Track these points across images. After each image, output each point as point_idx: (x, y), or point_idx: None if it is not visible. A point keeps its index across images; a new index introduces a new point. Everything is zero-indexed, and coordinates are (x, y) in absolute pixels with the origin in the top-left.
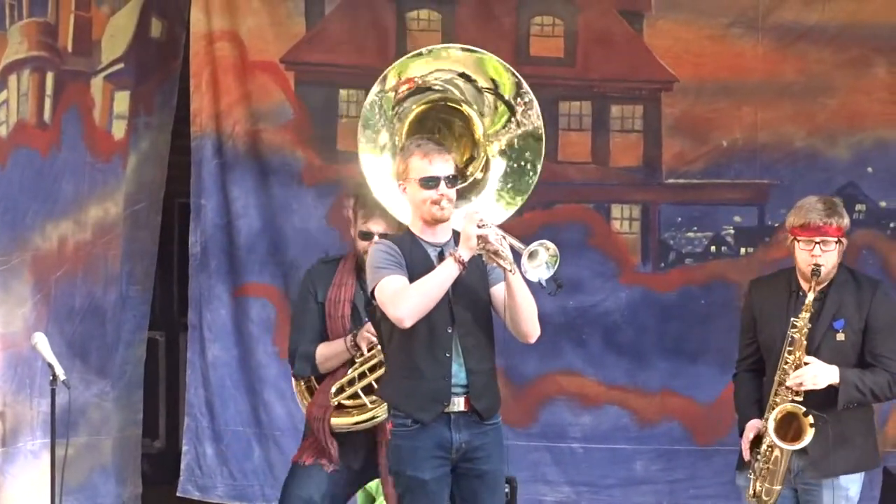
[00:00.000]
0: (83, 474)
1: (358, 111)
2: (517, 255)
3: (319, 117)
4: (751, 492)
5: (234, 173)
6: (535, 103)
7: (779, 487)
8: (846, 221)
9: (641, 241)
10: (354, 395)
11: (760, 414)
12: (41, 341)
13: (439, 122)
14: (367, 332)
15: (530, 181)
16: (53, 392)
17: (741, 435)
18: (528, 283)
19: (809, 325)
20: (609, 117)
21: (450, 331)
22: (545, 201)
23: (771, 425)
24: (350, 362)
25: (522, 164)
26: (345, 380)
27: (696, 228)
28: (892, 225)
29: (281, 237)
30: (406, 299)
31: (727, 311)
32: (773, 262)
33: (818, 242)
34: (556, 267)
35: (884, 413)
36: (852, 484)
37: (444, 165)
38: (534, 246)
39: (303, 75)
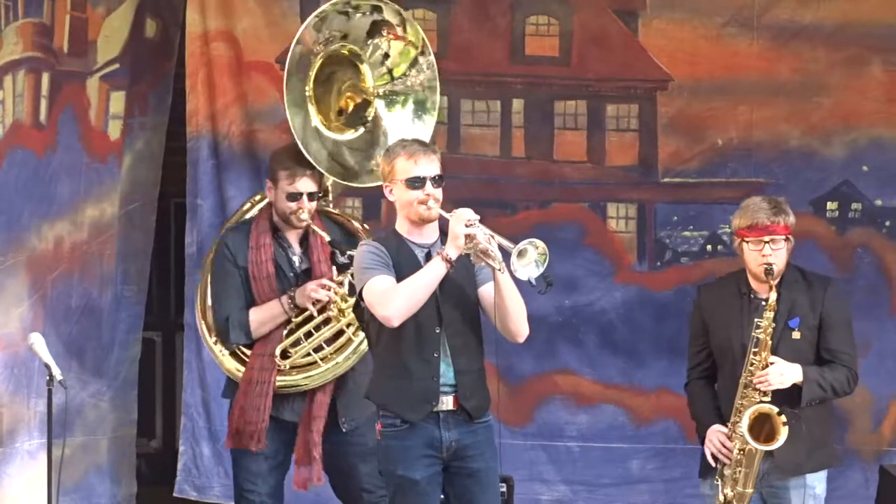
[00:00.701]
0: (79, 474)
1: None
2: (506, 254)
3: None
4: (721, 498)
5: (230, 173)
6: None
7: (750, 490)
8: (792, 219)
9: (637, 240)
10: (305, 355)
11: (720, 419)
12: (38, 342)
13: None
14: (311, 291)
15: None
16: (50, 392)
17: (702, 443)
18: (518, 282)
19: (774, 325)
20: (605, 116)
21: (438, 331)
22: (541, 200)
23: (745, 426)
24: (285, 323)
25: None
26: (288, 342)
27: (691, 227)
28: (887, 223)
29: None
30: (394, 299)
31: None
32: None
33: (767, 242)
34: (545, 265)
35: (880, 412)
36: (818, 482)
37: (429, 166)
38: (523, 244)
39: None
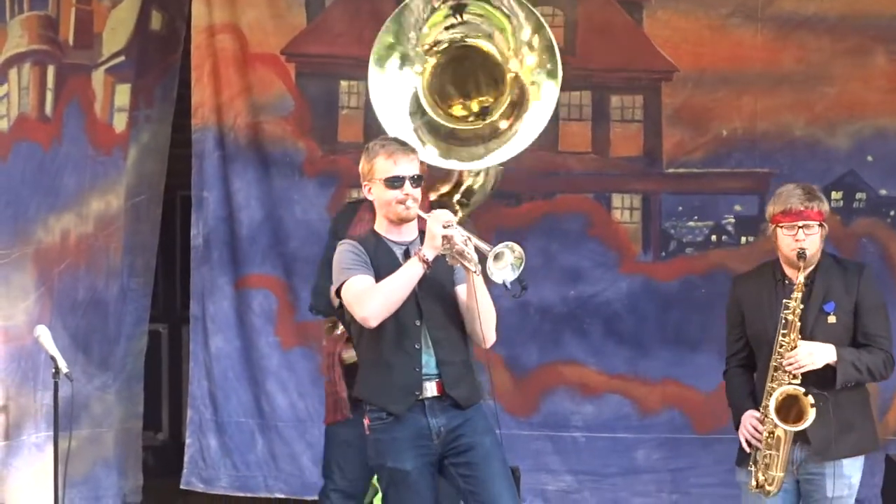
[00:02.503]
0: (86, 467)
1: (359, 102)
2: (482, 257)
3: (320, 109)
4: (753, 483)
5: (236, 165)
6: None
7: (781, 474)
8: (826, 206)
9: (642, 230)
10: None
11: (755, 406)
12: (44, 334)
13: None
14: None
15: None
16: (56, 385)
17: (737, 429)
18: (493, 285)
19: (802, 306)
20: (609, 107)
21: (418, 324)
22: (546, 191)
23: (772, 406)
24: None
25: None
26: None
27: (696, 218)
28: (892, 213)
29: (282, 228)
30: (371, 299)
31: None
32: (774, 251)
33: (801, 227)
34: (521, 269)
35: (885, 401)
36: (854, 472)
37: (408, 165)
38: (499, 248)
39: (303, 67)
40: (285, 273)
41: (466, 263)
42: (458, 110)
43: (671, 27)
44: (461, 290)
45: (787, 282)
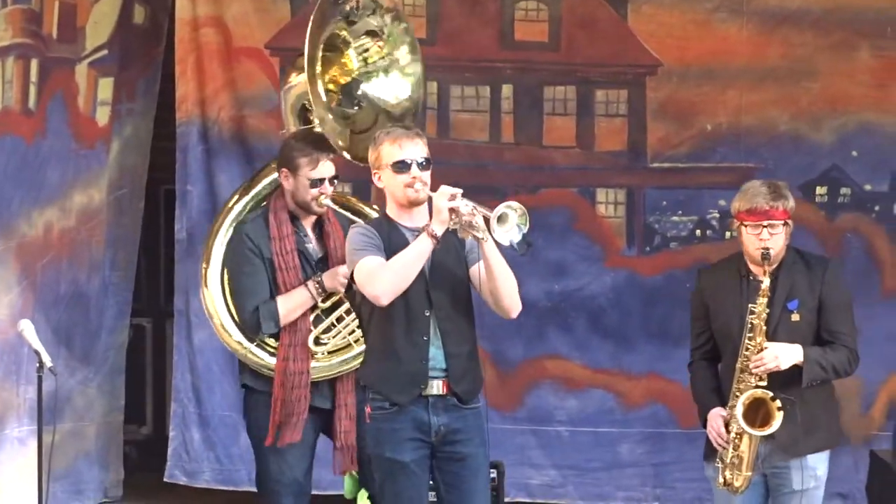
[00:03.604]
0: (68, 461)
1: None
2: (489, 224)
3: None
4: (721, 480)
5: (220, 159)
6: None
7: (749, 473)
8: (791, 204)
9: (626, 225)
10: (341, 339)
11: (721, 401)
12: (27, 328)
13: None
14: (343, 276)
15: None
16: (40, 379)
17: (704, 425)
18: (502, 248)
19: (768, 310)
20: (594, 102)
21: (427, 314)
22: (530, 185)
23: (739, 412)
24: (311, 310)
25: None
26: (319, 329)
27: (680, 212)
28: (876, 208)
29: None
30: (381, 277)
31: None
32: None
33: (766, 226)
34: (527, 227)
35: (870, 396)
36: (820, 463)
37: (414, 149)
38: (500, 208)
39: (288, 61)
40: None
41: (476, 233)
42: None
43: (656, 21)
44: (477, 269)
45: (751, 278)
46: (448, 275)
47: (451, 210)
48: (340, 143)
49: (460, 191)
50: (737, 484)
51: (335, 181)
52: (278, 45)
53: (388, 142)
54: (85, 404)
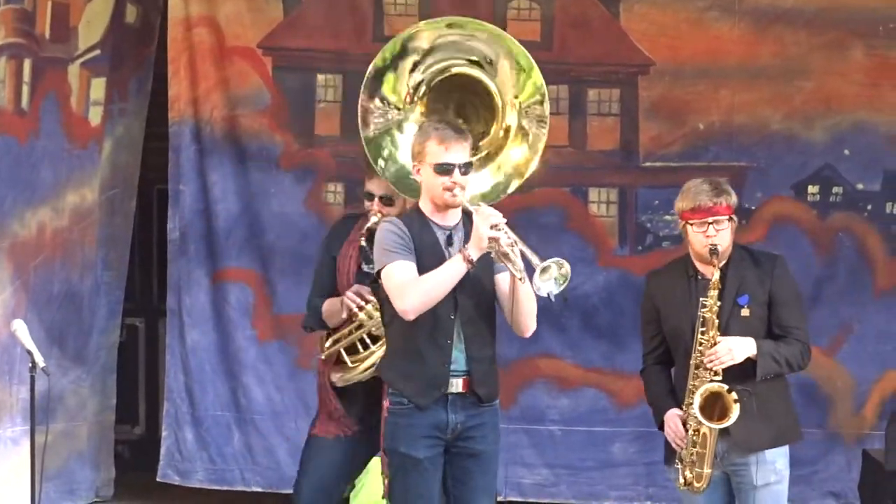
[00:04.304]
0: (60, 460)
1: (335, 96)
2: (527, 264)
3: (297, 102)
4: (681, 480)
5: (212, 158)
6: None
7: (709, 471)
8: (734, 199)
9: (619, 224)
10: (351, 349)
11: (676, 404)
12: (20, 328)
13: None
14: (350, 297)
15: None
16: (33, 379)
17: (660, 428)
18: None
19: (718, 303)
20: (586, 101)
21: (452, 317)
22: (522, 185)
23: (697, 405)
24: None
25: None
26: (339, 334)
27: (673, 211)
28: (868, 207)
29: (259, 222)
30: (411, 294)
31: None
32: (750, 244)
33: (711, 223)
34: (564, 285)
35: (862, 395)
36: (779, 458)
37: (460, 153)
38: (548, 263)
39: (280, 60)
40: (262, 266)
41: (511, 268)
42: None
43: (648, 21)
44: (503, 278)
45: (699, 277)
46: (476, 280)
47: (491, 239)
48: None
49: (503, 219)
50: (697, 483)
51: (385, 199)
52: (271, 44)
53: (436, 141)
54: (77, 404)
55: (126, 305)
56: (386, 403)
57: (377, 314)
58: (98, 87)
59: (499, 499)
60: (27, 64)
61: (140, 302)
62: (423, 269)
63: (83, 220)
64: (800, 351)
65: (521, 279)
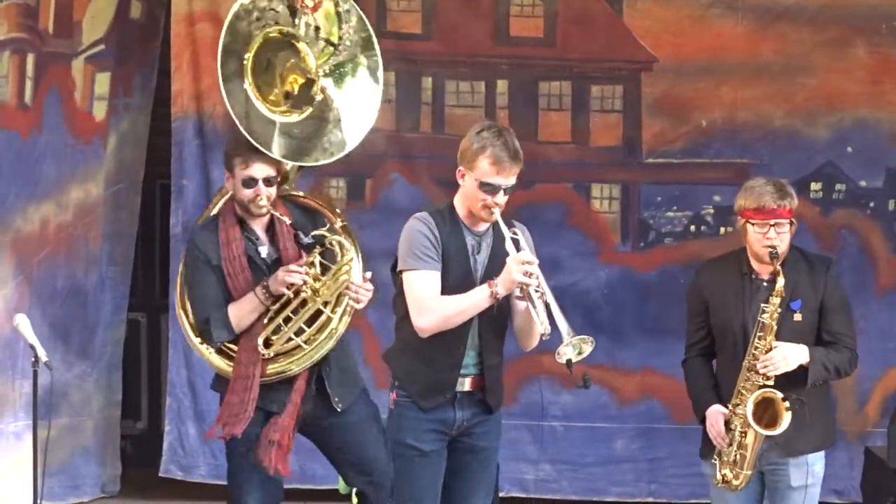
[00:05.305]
0: (65, 456)
1: None
2: (550, 316)
3: None
4: (718, 477)
5: (215, 154)
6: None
7: (749, 472)
8: (796, 202)
9: (621, 220)
10: (287, 340)
11: (719, 399)
12: (23, 323)
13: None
14: (284, 276)
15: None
16: (36, 374)
17: (701, 422)
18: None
19: (780, 310)
20: (589, 97)
21: (470, 323)
22: (525, 181)
23: (749, 411)
24: (264, 313)
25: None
26: (268, 330)
27: (675, 208)
28: (871, 204)
29: None
30: (430, 314)
31: None
32: None
33: (773, 225)
34: (581, 357)
35: (865, 393)
36: (817, 461)
37: (509, 178)
38: (576, 339)
39: None
40: None
41: (534, 314)
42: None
43: (651, 17)
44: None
45: (753, 276)
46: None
47: (521, 284)
48: (271, 146)
49: (536, 263)
50: (736, 482)
51: (273, 182)
52: None
53: (489, 160)
54: (82, 399)
55: (128, 300)
56: (393, 395)
57: (319, 285)
58: (102, 82)
59: (501, 495)
60: (30, 59)
61: (142, 297)
62: (447, 276)
63: (88, 215)
64: (849, 358)
65: (543, 334)
